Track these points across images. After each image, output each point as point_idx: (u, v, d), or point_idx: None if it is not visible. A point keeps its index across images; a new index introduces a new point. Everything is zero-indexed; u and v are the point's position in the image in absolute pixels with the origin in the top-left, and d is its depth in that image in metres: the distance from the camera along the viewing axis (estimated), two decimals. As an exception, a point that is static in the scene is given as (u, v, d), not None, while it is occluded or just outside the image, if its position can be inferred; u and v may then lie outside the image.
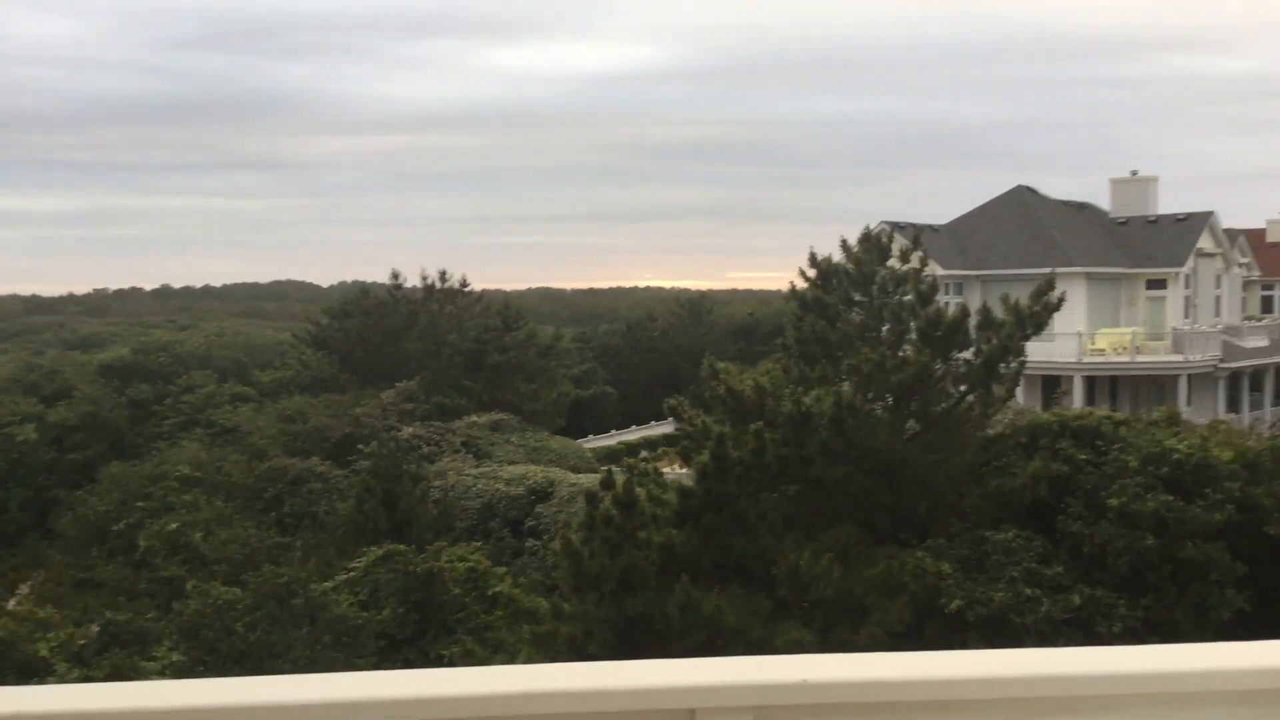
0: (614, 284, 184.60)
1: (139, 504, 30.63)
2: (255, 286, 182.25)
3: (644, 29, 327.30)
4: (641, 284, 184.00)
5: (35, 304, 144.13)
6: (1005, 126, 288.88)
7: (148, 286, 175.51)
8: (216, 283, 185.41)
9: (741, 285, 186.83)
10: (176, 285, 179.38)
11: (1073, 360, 42.38)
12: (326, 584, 21.74)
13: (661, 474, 20.54)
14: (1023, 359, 19.88)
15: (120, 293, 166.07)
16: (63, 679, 18.58)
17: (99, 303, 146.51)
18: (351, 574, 22.86)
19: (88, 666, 19.26)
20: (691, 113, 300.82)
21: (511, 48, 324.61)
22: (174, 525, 27.36)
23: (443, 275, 52.95)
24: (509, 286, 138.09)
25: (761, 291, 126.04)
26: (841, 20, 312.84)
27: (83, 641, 20.26)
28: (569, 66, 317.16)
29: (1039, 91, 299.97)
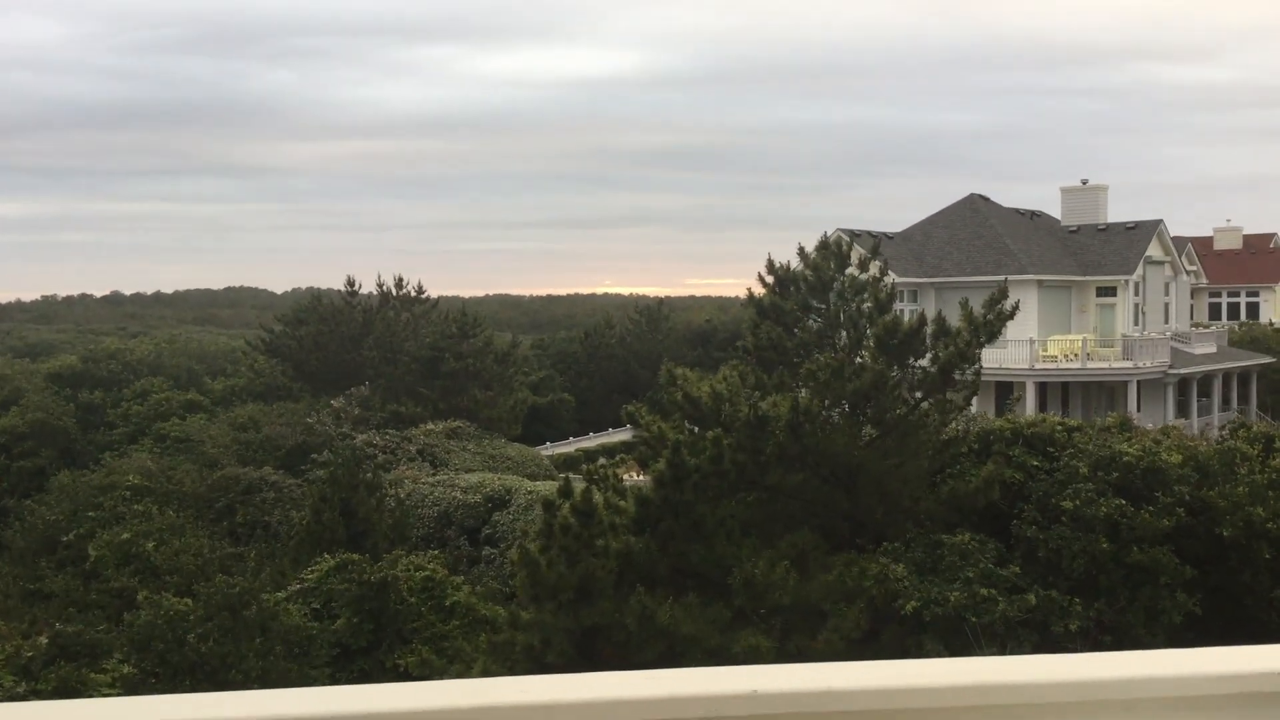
0: (572, 291, 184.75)
1: (89, 514, 30.17)
2: (208, 293, 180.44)
3: (628, 35, 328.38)
4: (600, 290, 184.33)
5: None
6: (973, 135, 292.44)
7: (98, 293, 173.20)
8: (168, 289, 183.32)
9: (700, 292, 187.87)
10: (127, 292, 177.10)
11: (1025, 366, 42.86)
12: (280, 594, 21.51)
13: (620, 480, 20.51)
14: (978, 367, 20.07)
15: (69, 299, 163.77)
16: (9, 692, 18.25)
17: (47, 309, 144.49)
18: (305, 584, 22.64)
19: (35, 680, 18.91)
20: (665, 119, 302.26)
21: (496, 54, 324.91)
22: (125, 535, 26.96)
23: (399, 282, 52.73)
24: (467, 293, 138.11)
25: (720, 298, 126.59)
26: (821, 28, 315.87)
27: (30, 654, 19.89)
28: (551, 72, 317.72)
29: (1006, 100, 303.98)
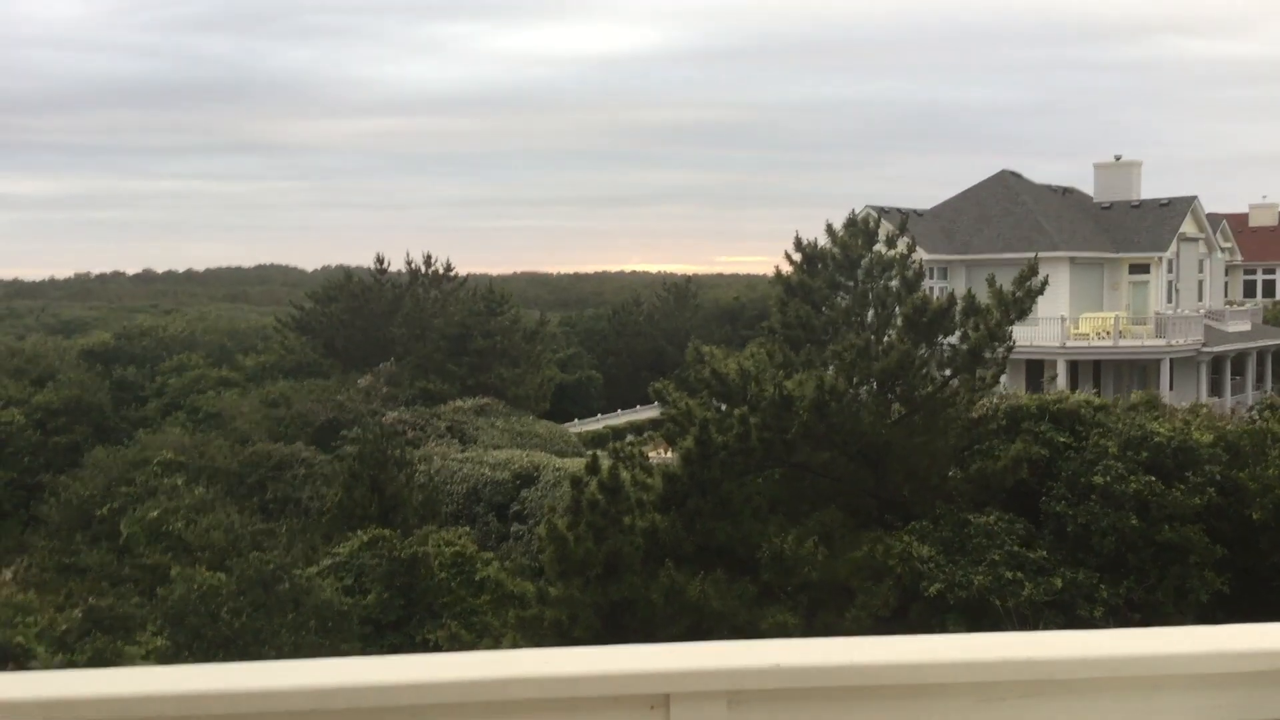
0: (601, 268, 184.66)
1: (122, 489, 30.54)
2: (239, 271, 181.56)
3: (650, 11, 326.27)
4: (628, 268, 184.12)
5: (16, 288, 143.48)
6: (1002, 110, 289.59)
7: (130, 270, 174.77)
8: (200, 267, 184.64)
9: (729, 269, 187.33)
10: (159, 269, 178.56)
11: (1056, 344, 42.55)
12: (311, 569, 21.74)
13: (647, 458, 20.55)
14: (1009, 344, 19.95)
15: (102, 277, 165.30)
16: (45, 665, 18.54)
17: (81, 287, 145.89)
18: (337, 559, 22.86)
19: (71, 651, 19.23)
20: (689, 95, 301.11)
21: (518, 30, 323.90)
22: (156, 512, 27.28)
23: (428, 259, 52.86)
24: (495, 270, 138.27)
25: (749, 276, 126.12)
26: (844, 4, 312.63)
27: (65, 626, 20.21)
28: (573, 49, 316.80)
29: (1035, 75, 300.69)
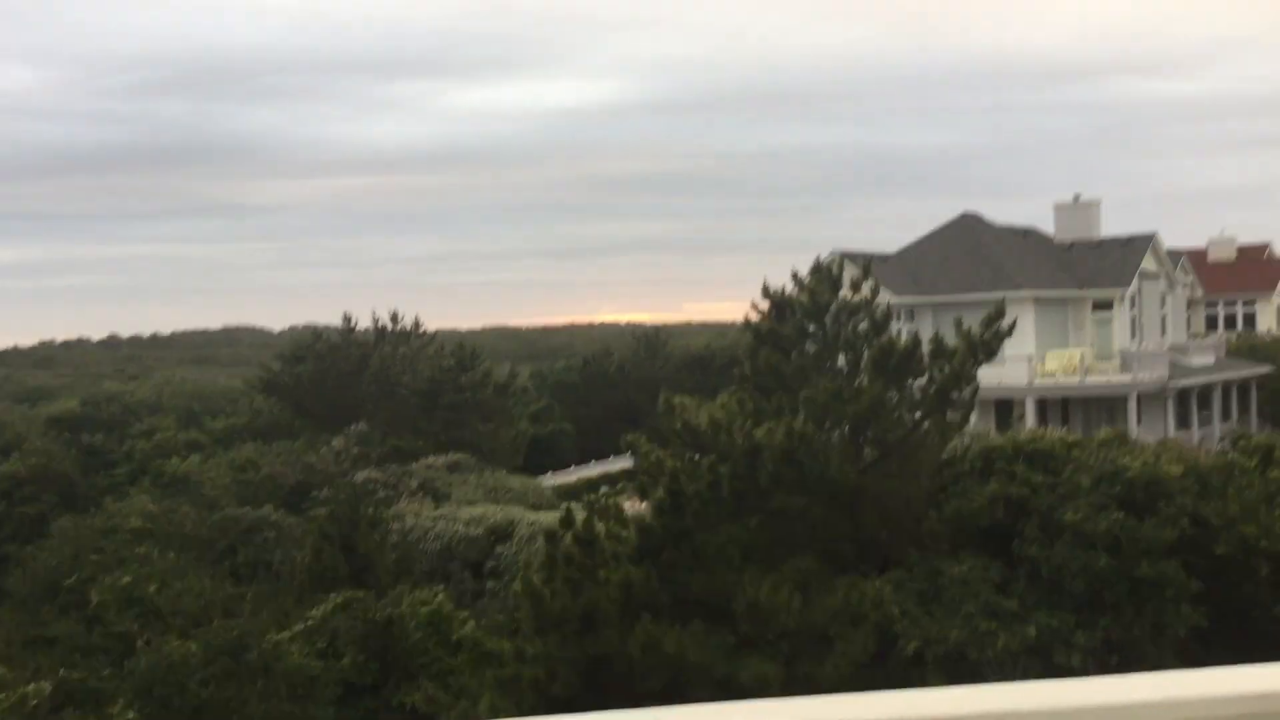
0: (570, 320, 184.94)
1: (91, 558, 30.06)
2: (206, 333, 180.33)
3: (603, 65, 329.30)
4: (598, 319, 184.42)
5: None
6: (960, 153, 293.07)
7: (95, 336, 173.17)
8: (166, 330, 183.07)
9: (698, 318, 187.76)
10: (125, 334, 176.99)
11: (1024, 383, 42.85)
12: (283, 634, 21.41)
13: (621, 509, 20.43)
14: (975, 385, 20.05)
15: (67, 343, 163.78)
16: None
17: (46, 354, 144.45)
18: (310, 623, 22.54)
19: (40, 728, 18.80)
20: (649, 146, 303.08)
21: (478, 87, 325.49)
22: (127, 579, 26.85)
23: (394, 317, 52.76)
24: (464, 326, 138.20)
25: (718, 323, 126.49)
26: (797, 53, 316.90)
27: (35, 701, 19.77)
28: (532, 104, 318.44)
29: (991, 118, 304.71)
